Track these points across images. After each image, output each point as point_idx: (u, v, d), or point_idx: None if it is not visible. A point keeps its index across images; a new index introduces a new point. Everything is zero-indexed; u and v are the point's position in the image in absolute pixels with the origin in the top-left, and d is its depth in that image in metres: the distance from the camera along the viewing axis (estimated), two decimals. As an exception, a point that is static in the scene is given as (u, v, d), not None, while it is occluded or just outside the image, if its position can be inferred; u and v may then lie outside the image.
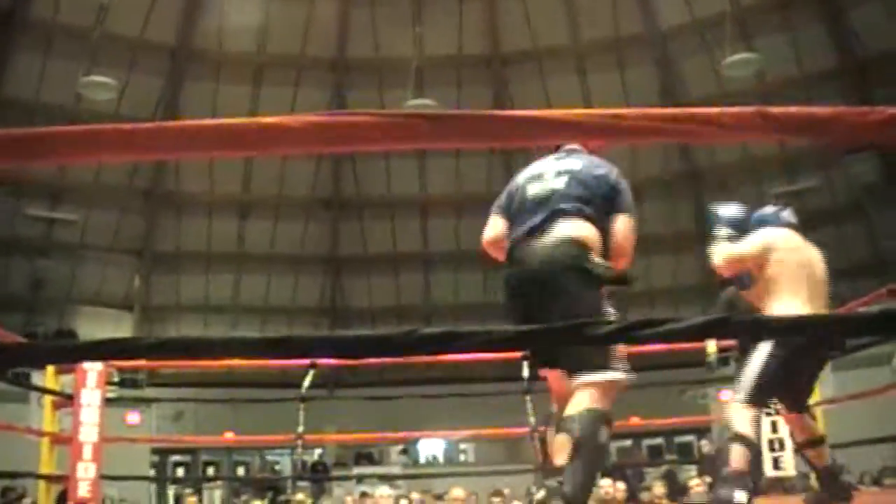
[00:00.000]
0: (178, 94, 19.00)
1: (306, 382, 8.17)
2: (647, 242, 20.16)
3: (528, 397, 7.54)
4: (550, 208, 3.53)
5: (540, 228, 3.51)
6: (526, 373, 7.35)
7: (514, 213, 3.71)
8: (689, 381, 14.33)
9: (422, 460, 20.06)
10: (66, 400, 7.92)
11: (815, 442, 4.83)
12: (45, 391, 8.02)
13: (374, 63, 19.57)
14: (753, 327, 2.47)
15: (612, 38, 19.25)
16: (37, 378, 10.13)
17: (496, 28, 19.45)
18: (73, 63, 16.99)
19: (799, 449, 5.21)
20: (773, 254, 4.68)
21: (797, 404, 4.80)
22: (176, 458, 19.77)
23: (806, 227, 5.02)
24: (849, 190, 18.37)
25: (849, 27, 17.53)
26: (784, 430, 6.58)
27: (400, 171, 20.41)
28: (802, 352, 4.43)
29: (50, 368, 8.10)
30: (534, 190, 3.67)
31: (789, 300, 4.53)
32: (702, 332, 2.43)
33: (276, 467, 19.64)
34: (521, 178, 3.82)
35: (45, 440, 7.77)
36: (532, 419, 7.36)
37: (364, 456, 19.42)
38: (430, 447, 20.21)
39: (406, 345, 1.78)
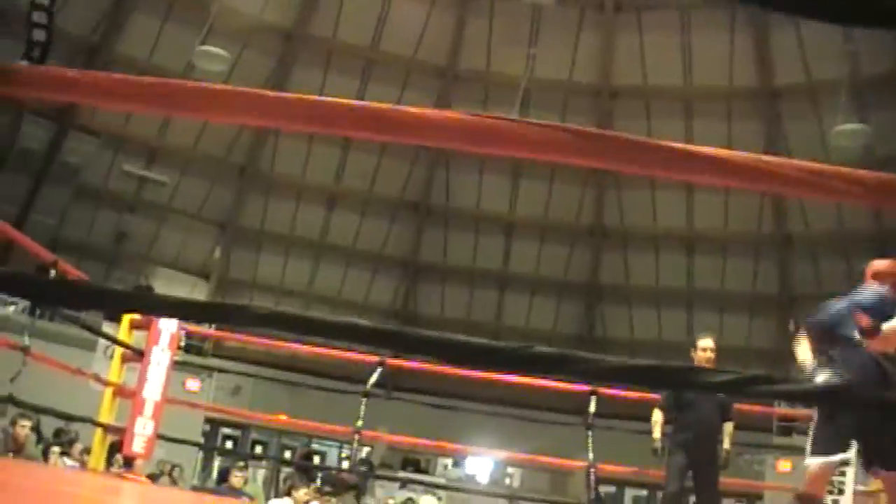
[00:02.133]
0: (287, 77, 19.23)
1: (373, 378, 8.21)
2: (724, 300, 20.00)
3: (589, 433, 7.48)
4: None
5: None
6: (592, 408, 7.31)
7: None
8: (751, 445, 14.09)
9: (468, 477, 19.98)
10: (136, 355, 8.05)
11: None
12: (118, 343, 8.15)
13: (483, 77, 19.60)
14: None
15: (725, 87, 19.01)
16: (107, 329, 10.28)
17: (609, 60, 19.35)
18: (191, 31, 17.32)
19: None
20: None
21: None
22: (227, 430, 19.94)
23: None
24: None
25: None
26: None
27: (492, 187, 20.41)
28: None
29: (126, 321, 8.23)
30: None
31: None
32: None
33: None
34: None
35: (109, 390, 7.88)
36: (591, 455, 7.30)
37: (411, 462, 19.40)
38: (478, 465, 20.12)
39: (518, 359, 1.76)
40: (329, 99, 1.93)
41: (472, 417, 16.03)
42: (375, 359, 8.40)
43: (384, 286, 21.26)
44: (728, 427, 7.13)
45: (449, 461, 19.89)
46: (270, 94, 1.96)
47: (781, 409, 12.22)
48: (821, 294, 16.93)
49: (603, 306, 20.78)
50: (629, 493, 19.90)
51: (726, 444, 7.11)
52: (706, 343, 7.22)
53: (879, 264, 5.46)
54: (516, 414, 15.75)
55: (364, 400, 8.18)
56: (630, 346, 20.00)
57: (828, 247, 18.68)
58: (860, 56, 17.44)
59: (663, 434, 7.02)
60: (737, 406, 7.19)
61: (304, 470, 12.27)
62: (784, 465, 13.80)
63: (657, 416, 7.02)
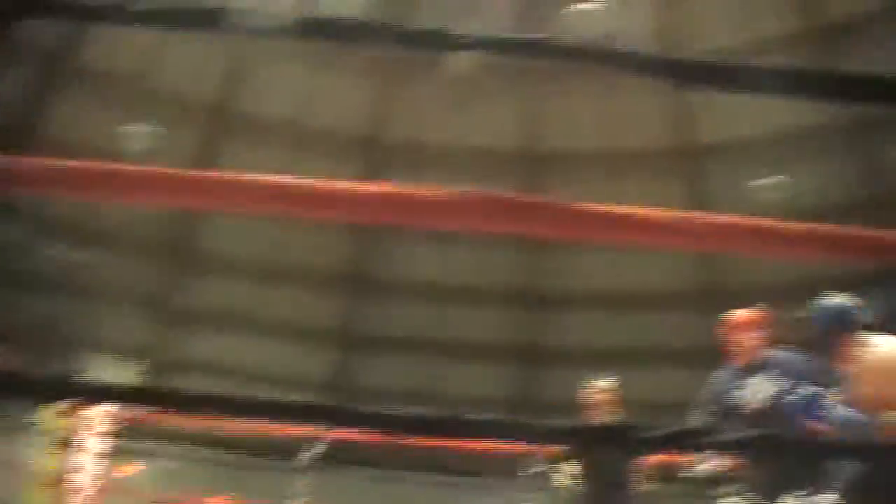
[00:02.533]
0: (215, 153, 19.16)
1: (310, 453, 8.11)
2: (656, 354, 20.12)
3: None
4: None
5: None
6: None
7: None
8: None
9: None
10: (68, 442, 7.86)
11: None
12: (46, 430, 7.96)
13: (412, 146, 19.73)
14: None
15: (648, 147, 19.39)
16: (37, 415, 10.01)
17: (536, 125, 19.65)
18: (113, 110, 17.26)
19: None
20: None
21: None
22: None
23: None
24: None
25: (881, 164, 17.59)
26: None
27: (424, 254, 20.45)
28: None
29: (53, 407, 8.03)
30: None
31: None
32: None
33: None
34: None
35: (39, 480, 7.68)
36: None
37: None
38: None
39: (459, 427, 1.76)
40: (254, 177, 1.92)
41: (421, 488, 15.89)
42: (315, 433, 8.29)
43: (320, 360, 21.06)
44: None
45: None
46: (191, 174, 1.95)
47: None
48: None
49: (540, 369, 20.78)
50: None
51: None
52: (600, 387, 7.21)
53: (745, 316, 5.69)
54: (460, 481, 15.64)
55: (304, 476, 8.07)
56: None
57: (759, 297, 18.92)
58: (780, 111, 17.91)
59: None
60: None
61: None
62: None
63: None
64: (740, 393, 5.55)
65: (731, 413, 5.50)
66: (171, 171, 1.87)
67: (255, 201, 2.12)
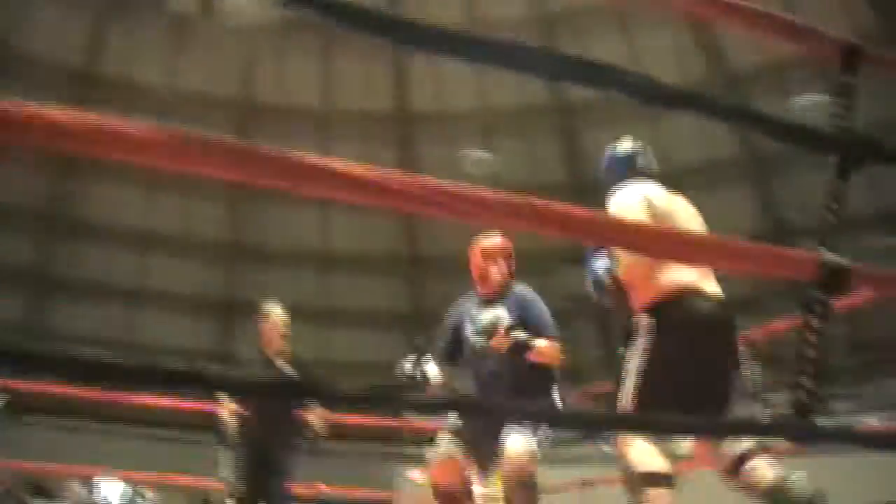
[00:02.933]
0: None
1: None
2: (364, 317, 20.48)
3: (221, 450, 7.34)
4: None
5: None
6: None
7: None
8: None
9: (101, 501, 18.99)
10: None
11: None
12: None
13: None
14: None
15: (362, 110, 19.60)
16: None
17: (252, 80, 19.41)
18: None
19: None
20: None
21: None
22: None
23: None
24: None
25: (580, 148, 18.61)
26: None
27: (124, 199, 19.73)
28: None
29: None
30: None
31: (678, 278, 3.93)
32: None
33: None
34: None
35: None
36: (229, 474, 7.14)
37: (40, 490, 18.22)
38: (111, 490, 19.20)
39: (146, 376, 1.71)
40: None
41: (102, 439, 15.38)
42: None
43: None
44: None
45: (78, 485, 18.85)
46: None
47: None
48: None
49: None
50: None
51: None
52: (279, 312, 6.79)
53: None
54: (148, 433, 15.28)
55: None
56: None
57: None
58: (490, 88, 18.58)
59: None
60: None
61: None
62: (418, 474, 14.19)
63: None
64: (476, 322, 5.27)
65: (464, 341, 5.30)
66: None
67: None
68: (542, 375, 5.10)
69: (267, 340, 6.77)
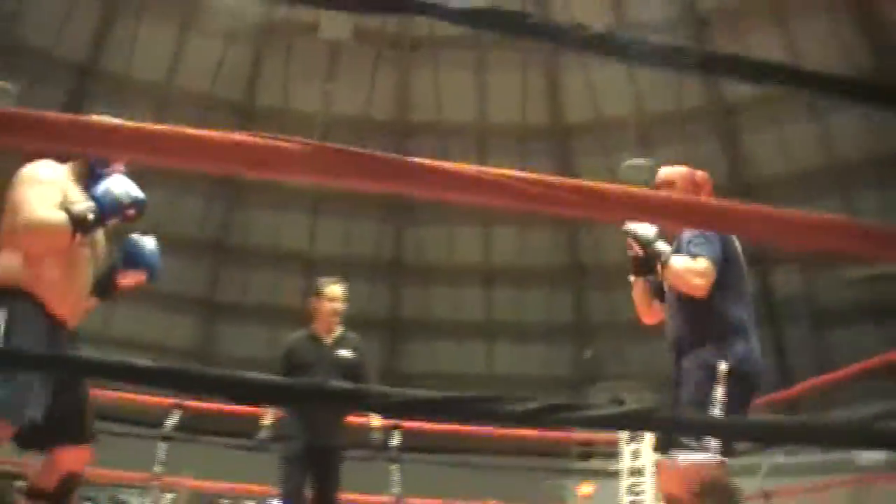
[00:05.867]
0: (79, 113, 18.43)
1: (170, 421, 7.94)
2: (525, 329, 20.39)
3: (395, 466, 7.42)
4: None
5: None
6: (396, 441, 7.22)
7: (733, 284, 4.14)
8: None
9: (273, 520, 19.49)
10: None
11: None
12: None
13: (281, 114, 19.44)
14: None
15: (518, 124, 19.62)
16: None
17: (405, 97, 19.66)
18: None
19: None
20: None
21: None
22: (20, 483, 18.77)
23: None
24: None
25: (742, 151, 18.11)
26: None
27: (290, 223, 20.21)
28: None
29: None
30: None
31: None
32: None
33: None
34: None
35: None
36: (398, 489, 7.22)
37: (216, 509, 18.79)
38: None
39: (314, 395, 1.73)
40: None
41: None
42: (173, 401, 8.13)
43: (183, 326, 20.62)
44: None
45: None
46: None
47: (579, 434, 12.48)
48: (615, 322, 17.88)
49: (405, 341, 20.78)
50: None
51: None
52: (336, 291, 6.49)
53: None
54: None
55: (163, 444, 7.88)
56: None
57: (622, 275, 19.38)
58: (645, 95, 18.30)
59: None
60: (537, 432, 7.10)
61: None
62: (585, 488, 14.10)
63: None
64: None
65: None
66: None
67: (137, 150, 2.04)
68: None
69: (319, 319, 6.47)
